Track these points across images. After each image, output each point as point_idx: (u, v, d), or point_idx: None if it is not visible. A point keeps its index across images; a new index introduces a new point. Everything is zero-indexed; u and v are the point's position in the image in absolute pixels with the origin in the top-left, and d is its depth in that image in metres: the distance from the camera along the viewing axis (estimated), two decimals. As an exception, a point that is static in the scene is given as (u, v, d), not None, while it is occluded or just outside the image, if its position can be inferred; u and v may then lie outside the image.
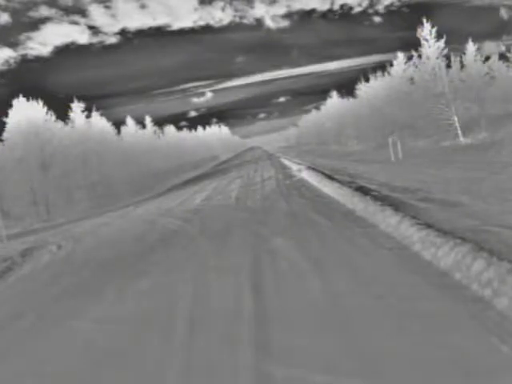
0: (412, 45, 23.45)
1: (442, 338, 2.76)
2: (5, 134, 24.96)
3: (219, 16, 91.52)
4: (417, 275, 3.87)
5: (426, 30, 22.09)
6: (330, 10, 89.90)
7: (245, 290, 4.35)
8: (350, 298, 3.65)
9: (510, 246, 3.83)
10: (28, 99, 25.51)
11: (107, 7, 78.89)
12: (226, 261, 5.71)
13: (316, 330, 3.21)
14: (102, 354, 3.57)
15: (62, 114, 29.13)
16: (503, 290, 3.02)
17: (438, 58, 22.06)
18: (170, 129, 55.91)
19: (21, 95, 25.33)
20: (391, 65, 28.87)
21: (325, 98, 51.97)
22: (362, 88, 34.29)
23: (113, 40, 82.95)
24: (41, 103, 25.89)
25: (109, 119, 34.21)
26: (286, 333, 3.24)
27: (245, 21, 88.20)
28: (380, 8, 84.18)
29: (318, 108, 58.51)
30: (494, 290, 3.09)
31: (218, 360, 3.02)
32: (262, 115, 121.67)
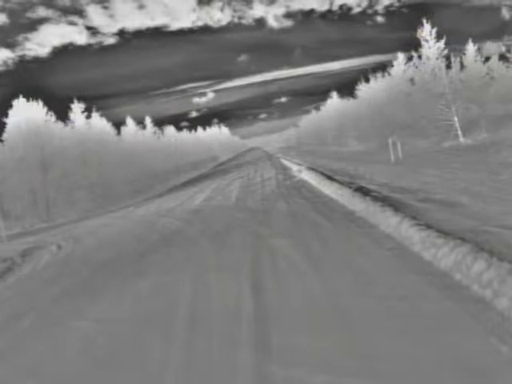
0: (412, 45, 23.53)
1: (443, 339, 2.76)
2: (5, 135, 24.99)
3: (218, 16, 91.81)
4: (417, 276, 3.86)
5: (426, 31, 22.11)
6: (330, 11, 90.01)
7: (244, 289, 4.34)
8: (350, 299, 3.64)
9: (510, 246, 3.83)
10: (27, 100, 25.55)
11: (105, 8, 79.01)
12: (225, 260, 5.71)
13: (316, 330, 3.21)
14: (102, 354, 3.57)
15: (62, 114, 29.24)
16: (503, 290, 3.02)
17: (438, 58, 22.08)
18: (170, 129, 55.88)
19: (20, 96, 25.39)
20: (391, 65, 28.93)
21: (325, 99, 52.06)
22: (362, 88, 34.30)
23: (111, 40, 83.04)
24: (40, 104, 25.92)
25: (109, 120, 34.25)
26: (285, 333, 3.23)
27: (243, 21, 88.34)
28: (379, 8, 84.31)
29: (318, 108, 58.62)
30: (495, 290, 3.09)
31: (217, 359, 3.02)
32: (262, 115, 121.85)
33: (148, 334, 3.77)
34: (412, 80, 25.64)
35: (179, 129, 64.30)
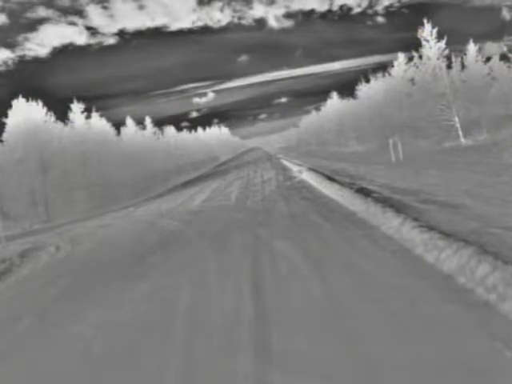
0: (413, 45, 23.47)
1: (446, 344, 2.70)
2: (4, 135, 24.94)
3: (218, 17, 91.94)
4: (420, 279, 3.81)
5: (427, 31, 22.06)
6: (330, 11, 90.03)
7: (245, 290, 4.29)
8: (351, 302, 3.59)
9: (514, 248, 3.77)
10: (27, 100, 25.50)
11: (105, 8, 79.11)
12: (225, 262, 5.66)
13: (316, 333, 3.15)
14: (101, 357, 3.52)
15: (62, 114, 29.16)
16: (509, 294, 2.96)
17: (438, 58, 22.03)
18: (170, 129, 55.80)
19: (20, 96, 25.34)
20: (392, 65, 28.89)
21: (325, 99, 51.93)
22: (363, 89, 34.26)
23: (111, 41, 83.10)
24: (40, 104, 25.87)
25: (108, 120, 34.14)
26: (285, 337, 3.18)
27: (243, 22, 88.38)
28: (380, 9, 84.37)
29: (318, 109, 58.47)
30: (500, 294, 3.03)
31: (217, 364, 2.97)
32: (262, 116, 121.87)
33: (147, 336, 3.71)
34: (412, 80, 25.59)
35: (179, 129, 64.26)
